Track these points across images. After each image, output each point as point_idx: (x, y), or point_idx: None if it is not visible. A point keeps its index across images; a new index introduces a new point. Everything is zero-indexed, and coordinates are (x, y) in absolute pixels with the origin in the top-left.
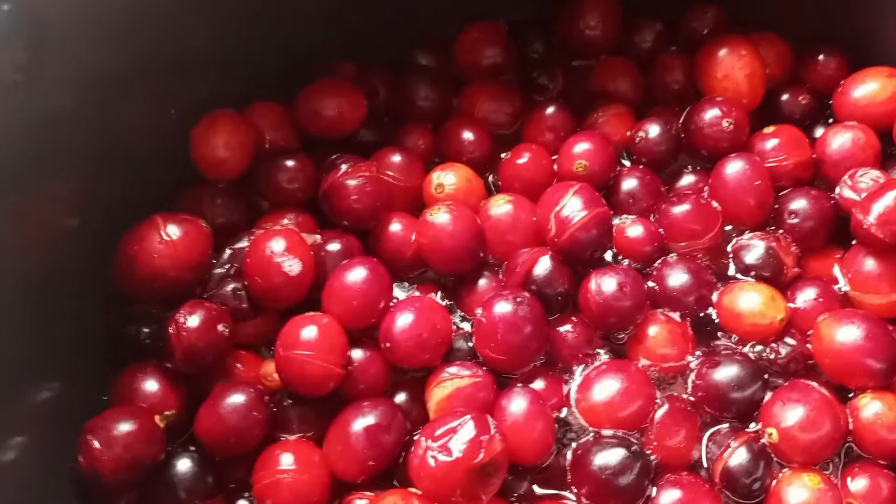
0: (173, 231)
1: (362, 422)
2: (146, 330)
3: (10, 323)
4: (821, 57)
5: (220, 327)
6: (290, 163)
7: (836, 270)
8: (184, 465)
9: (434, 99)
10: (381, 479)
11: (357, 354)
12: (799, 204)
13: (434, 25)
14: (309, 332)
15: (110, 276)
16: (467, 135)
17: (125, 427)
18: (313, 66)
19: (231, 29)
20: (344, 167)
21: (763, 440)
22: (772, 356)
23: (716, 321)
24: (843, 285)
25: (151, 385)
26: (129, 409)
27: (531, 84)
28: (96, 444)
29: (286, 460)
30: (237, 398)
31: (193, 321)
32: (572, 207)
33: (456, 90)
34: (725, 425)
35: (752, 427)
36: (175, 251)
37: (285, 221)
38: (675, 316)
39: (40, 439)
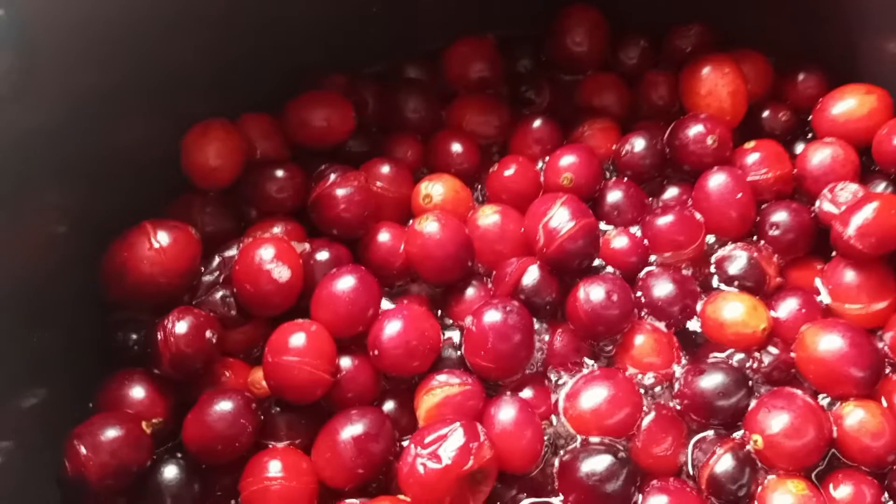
0: (163, 238)
1: (351, 430)
2: (134, 336)
3: (1, 329)
4: (801, 75)
5: (208, 334)
6: (279, 172)
7: (818, 281)
8: (170, 471)
9: (423, 111)
10: (377, 486)
11: (345, 363)
12: (780, 216)
13: (424, 39)
14: (297, 339)
15: (100, 282)
16: (456, 146)
17: (112, 433)
18: (305, 79)
19: (224, 44)
20: (333, 177)
21: (748, 447)
22: (755, 365)
23: (700, 331)
24: (824, 296)
25: (139, 391)
26: (117, 416)
27: (519, 98)
28: (83, 449)
29: (274, 467)
30: (225, 405)
31: (181, 327)
32: (560, 218)
33: (444, 103)
34: (711, 432)
35: (738, 434)
36: (164, 258)
37: (275, 230)
38: (661, 325)
39: (29, 445)
